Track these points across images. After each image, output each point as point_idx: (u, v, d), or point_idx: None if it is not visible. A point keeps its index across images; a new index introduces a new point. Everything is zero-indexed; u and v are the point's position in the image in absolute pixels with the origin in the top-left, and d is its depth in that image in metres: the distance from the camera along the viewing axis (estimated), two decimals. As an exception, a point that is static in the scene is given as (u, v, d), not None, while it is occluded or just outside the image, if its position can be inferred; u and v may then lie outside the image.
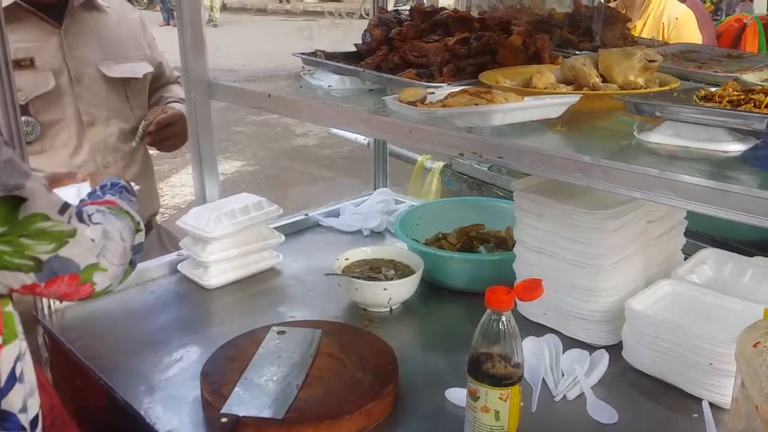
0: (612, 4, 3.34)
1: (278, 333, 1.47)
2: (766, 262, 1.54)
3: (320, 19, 19.38)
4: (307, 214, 2.28)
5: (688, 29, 3.11)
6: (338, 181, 6.53)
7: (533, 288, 1.15)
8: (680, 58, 2.15)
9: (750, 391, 0.86)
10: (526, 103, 1.26)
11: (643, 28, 3.06)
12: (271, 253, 1.93)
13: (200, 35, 1.86)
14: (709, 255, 1.61)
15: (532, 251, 1.56)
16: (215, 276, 1.80)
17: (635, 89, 1.45)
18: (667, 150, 1.14)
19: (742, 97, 1.43)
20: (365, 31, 1.97)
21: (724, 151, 1.12)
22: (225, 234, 1.79)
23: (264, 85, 1.78)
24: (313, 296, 1.78)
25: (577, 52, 2.12)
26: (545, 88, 1.50)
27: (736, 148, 1.12)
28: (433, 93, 1.46)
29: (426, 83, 1.59)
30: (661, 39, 3.08)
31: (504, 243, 1.91)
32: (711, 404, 1.27)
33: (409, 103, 1.36)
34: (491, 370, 1.11)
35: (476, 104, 1.27)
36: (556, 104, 1.28)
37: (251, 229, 1.85)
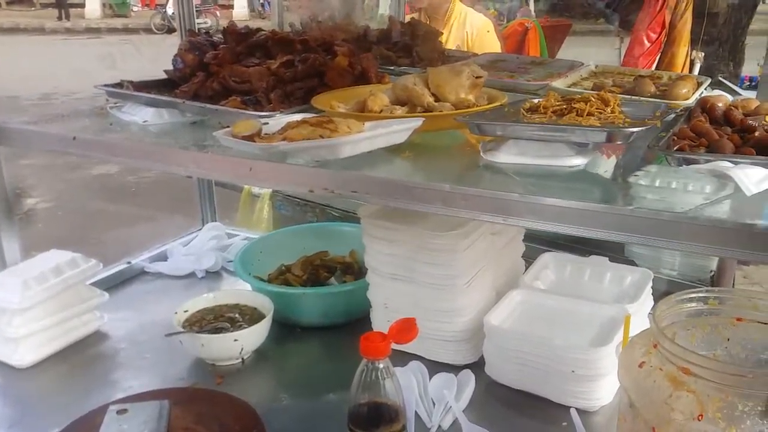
0: (414, 15, 3.43)
1: (118, 413, 1.27)
2: (601, 261, 1.63)
3: (107, 36, 18.12)
4: (129, 262, 2.04)
5: (489, 38, 3.28)
6: (159, 219, 5.94)
7: (408, 329, 1.09)
8: (491, 68, 2.24)
9: (643, 412, 0.87)
10: (373, 132, 1.20)
11: (448, 37, 3.17)
12: (93, 314, 1.69)
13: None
14: (549, 259, 1.67)
15: (386, 278, 1.51)
16: (28, 353, 1.54)
17: (468, 107, 1.45)
18: (516, 169, 1.15)
19: (565, 106, 1.50)
20: (175, 56, 1.81)
21: (569, 166, 1.14)
22: (36, 302, 1.53)
23: (65, 125, 1.55)
24: (151, 358, 1.58)
25: (397, 68, 2.14)
26: (381, 111, 1.46)
27: (579, 161, 1.15)
28: (267, 123, 1.36)
29: (256, 112, 1.48)
30: (465, 48, 3.22)
31: (350, 268, 1.85)
32: (578, 410, 1.30)
33: (245, 137, 1.25)
34: (375, 422, 1.04)
35: (321, 136, 1.19)
36: (401, 130, 1.23)
37: (67, 292, 1.61)
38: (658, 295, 1.50)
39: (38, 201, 6.75)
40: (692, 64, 5.08)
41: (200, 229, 2.22)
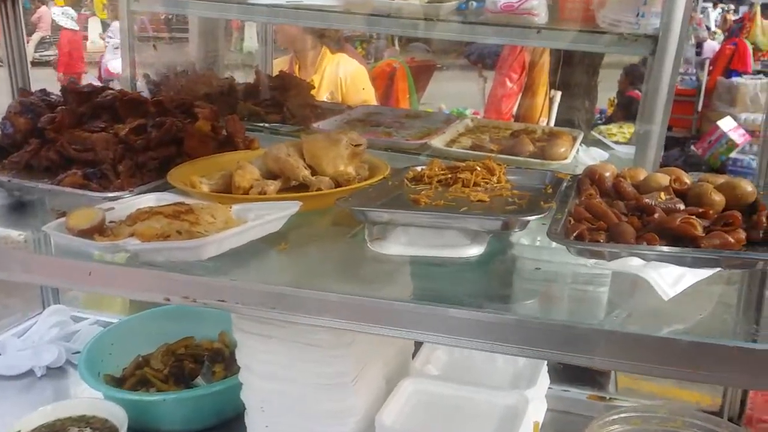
0: (283, 59, 3.29)
1: None
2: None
3: None
4: (-52, 361, 1.70)
5: (362, 84, 3.20)
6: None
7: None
8: (366, 123, 2.13)
9: None
10: (244, 227, 1.03)
11: (320, 84, 3.06)
12: None
13: None
14: (438, 337, 1.55)
15: (262, 378, 1.32)
16: None
17: (348, 180, 1.32)
18: (406, 262, 1.02)
19: (450, 175, 1.40)
20: (3, 118, 1.54)
21: (465, 257, 1.03)
22: None
23: None
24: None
25: (267, 125, 1.98)
26: (251, 187, 1.29)
27: (475, 251, 1.04)
28: (113, 209, 1.15)
29: (100, 193, 1.26)
30: (339, 95, 3.11)
31: (221, 355, 1.64)
32: None
33: (83, 232, 1.03)
34: None
35: (178, 232, 1.00)
36: (276, 219, 1.07)
37: None
38: (555, 373, 1.43)
39: None
40: (551, 103, 5.32)
41: (40, 313, 1.91)
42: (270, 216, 1.07)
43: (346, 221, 1.20)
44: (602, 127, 7.32)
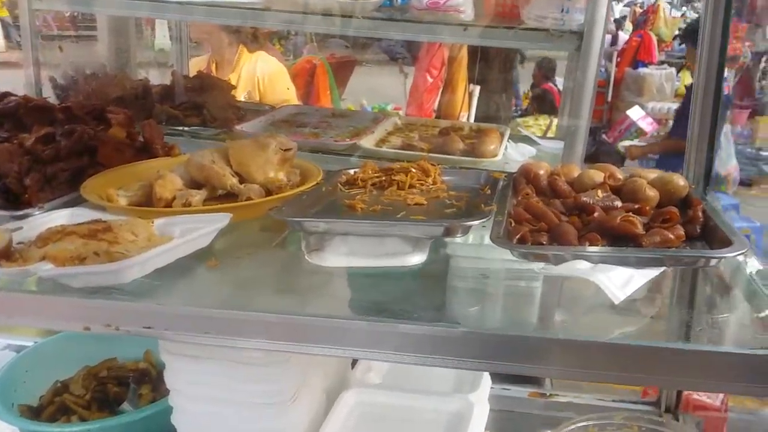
0: (200, 58, 3.17)
1: None
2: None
3: None
4: None
5: (280, 83, 3.11)
6: None
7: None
8: (292, 124, 2.07)
9: None
10: (170, 244, 0.95)
11: (237, 83, 2.95)
12: None
13: None
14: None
15: (195, 401, 1.24)
16: None
17: (280, 187, 1.25)
18: (347, 274, 0.97)
19: (384, 178, 1.36)
20: None
21: (408, 266, 0.99)
22: None
23: None
24: None
25: (187, 129, 1.88)
26: (174, 199, 1.21)
27: (417, 259, 1.00)
28: (21, 228, 1.05)
29: (5, 211, 1.15)
30: (256, 94, 3.02)
31: (147, 376, 1.54)
32: None
33: (-14, 257, 0.93)
34: None
35: (96, 253, 0.91)
36: (205, 233, 0.99)
37: None
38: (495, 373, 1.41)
39: None
40: (470, 97, 5.38)
41: (-59, 341, 1.75)
42: (198, 231, 0.99)
43: (279, 231, 1.14)
44: (519, 120, 7.49)
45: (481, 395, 1.34)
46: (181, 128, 1.87)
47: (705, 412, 1.40)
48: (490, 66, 5.63)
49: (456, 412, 1.28)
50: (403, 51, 7.74)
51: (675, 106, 9.02)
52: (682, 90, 10.41)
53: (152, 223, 1.06)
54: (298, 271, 0.99)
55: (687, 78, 10.80)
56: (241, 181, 1.27)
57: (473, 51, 5.23)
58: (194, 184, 1.28)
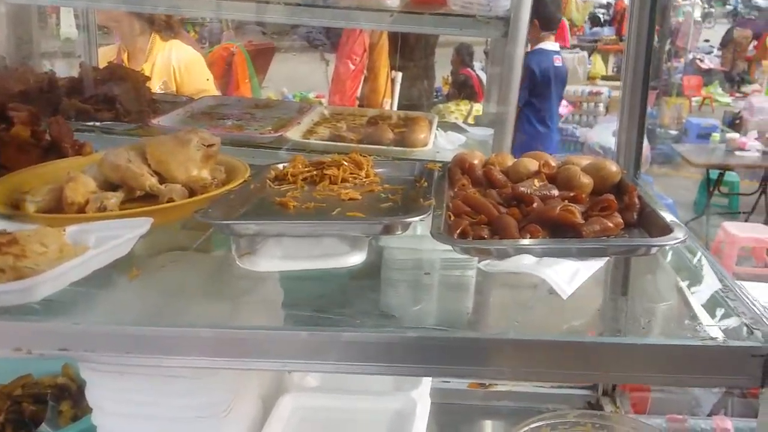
0: (110, 47, 2.99)
1: None
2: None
3: None
4: None
5: (197, 72, 2.98)
6: None
7: None
8: (213, 116, 1.97)
9: None
10: (85, 255, 0.86)
11: (152, 73, 2.80)
12: None
13: None
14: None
15: (120, 418, 1.15)
16: None
17: (205, 187, 1.18)
18: (282, 278, 0.91)
19: (315, 172, 1.31)
20: None
21: (347, 267, 0.94)
22: None
23: None
24: None
25: (99, 124, 1.76)
26: (87, 203, 1.11)
27: (356, 259, 0.95)
28: None
29: None
30: (172, 84, 2.88)
31: (67, 391, 1.43)
32: None
33: None
34: None
35: (1, 269, 0.82)
36: (124, 241, 0.91)
37: None
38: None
39: None
40: (393, 84, 5.36)
41: None
42: (116, 238, 0.91)
43: (204, 232, 1.07)
44: (441, 106, 7.55)
45: (422, 391, 1.32)
46: (92, 124, 1.75)
47: (639, 393, 1.43)
48: (411, 52, 5.63)
49: (399, 410, 1.25)
50: (323, 37, 7.63)
51: (588, 88, 9.34)
52: (594, 73, 10.79)
53: (64, 231, 0.96)
54: (228, 278, 0.92)
55: (598, 61, 11.19)
56: (161, 180, 1.18)
57: (394, 37, 5.21)
58: (109, 186, 1.18)
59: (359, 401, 1.28)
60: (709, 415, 1.57)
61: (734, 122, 8.18)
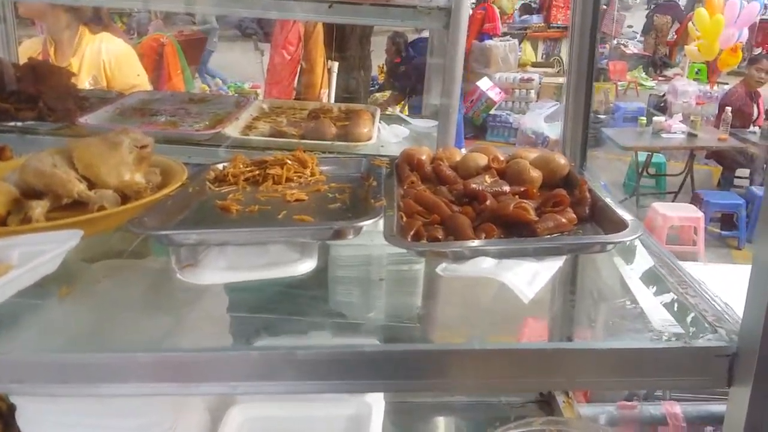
0: (33, 41, 2.81)
1: None
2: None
3: None
4: None
5: (129, 65, 2.83)
6: None
7: None
8: (144, 113, 1.87)
9: None
10: (8, 276, 0.78)
11: (80, 67, 2.65)
12: None
13: None
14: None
15: (56, 442, 1.07)
16: None
17: (139, 192, 1.10)
18: (228, 291, 0.85)
19: (258, 172, 1.25)
20: None
21: (297, 275, 0.89)
22: None
23: None
24: None
25: (20, 125, 1.64)
26: (9, 214, 1.02)
27: (307, 266, 0.90)
28: None
29: None
30: (102, 79, 2.74)
31: (-5, 415, 1.33)
32: None
33: None
34: None
35: None
36: (52, 257, 0.83)
37: None
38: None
39: None
40: (330, 74, 5.29)
41: None
42: (42, 254, 0.83)
43: (137, 240, 0.99)
44: (378, 95, 7.51)
45: (377, 395, 1.28)
46: (12, 124, 1.63)
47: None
48: (347, 41, 5.56)
49: (353, 416, 1.21)
50: (255, 27, 7.47)
51: (519, 75, 9.47)
52: (525, 60, 10.94)
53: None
54: (168, 293, 0.86)
55: (528, 48, 11.36)
56: (91, 186, 1.09)
57: (329, 26, 5.13)
58: (33, 194, 1.09)
59: (312, 409, 1.24)
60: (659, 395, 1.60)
61: (659, 105, 8.46)
